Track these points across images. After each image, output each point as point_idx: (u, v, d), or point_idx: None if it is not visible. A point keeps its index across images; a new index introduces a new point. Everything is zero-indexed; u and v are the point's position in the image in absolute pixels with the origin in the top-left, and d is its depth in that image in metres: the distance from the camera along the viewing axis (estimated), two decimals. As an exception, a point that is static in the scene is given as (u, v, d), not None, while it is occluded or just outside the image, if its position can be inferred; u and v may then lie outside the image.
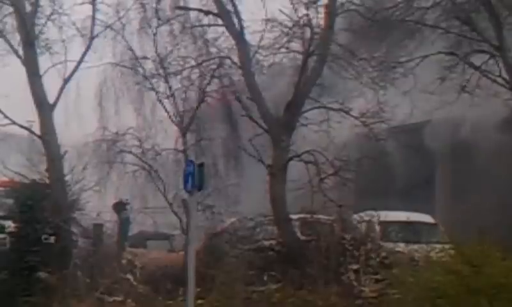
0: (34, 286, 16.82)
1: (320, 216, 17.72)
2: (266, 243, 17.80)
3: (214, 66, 19.34)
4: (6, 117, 19.13)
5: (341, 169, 18.15)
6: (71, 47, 20.08)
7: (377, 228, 17.39)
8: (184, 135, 18.70)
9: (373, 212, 17.30)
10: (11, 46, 19.75)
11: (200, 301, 14.55)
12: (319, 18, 19.03)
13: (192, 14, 19.85)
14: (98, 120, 20.62)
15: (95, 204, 19.53)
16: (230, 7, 19.09)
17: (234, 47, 19.20)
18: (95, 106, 20.93)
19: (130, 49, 19.90)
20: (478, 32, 19.40)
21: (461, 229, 14.13)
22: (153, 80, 19.74)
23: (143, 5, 19.81)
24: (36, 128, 19.26)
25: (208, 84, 19.10)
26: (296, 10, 19.08)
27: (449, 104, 19.89)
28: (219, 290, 15.64)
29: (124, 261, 17.52)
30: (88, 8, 20.05)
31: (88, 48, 19.80)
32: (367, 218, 17.41)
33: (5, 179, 19.30)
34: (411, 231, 17.27)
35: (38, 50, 19.75)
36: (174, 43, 19.64)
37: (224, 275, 15.94)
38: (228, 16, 18.95)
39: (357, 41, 19.57)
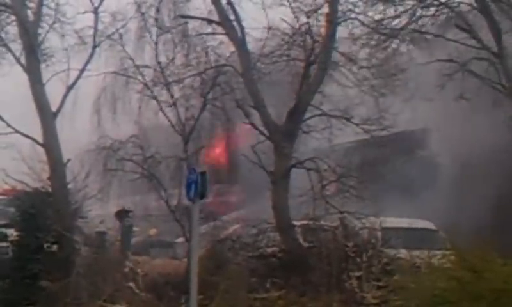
0: (36, 294, 16.91)
1: (323, 223, 17.87)
2: (269, 250, 17.93)
3: (215, 74, 19.48)
4: (9, 125, 19.30)
5: (343, 176, 18.36)
6: (72, 55, 20.38)
7: (379, 234, 17.52)
8: (185, 143, 18.81)
9: (375, 218, 17.42)
10: (14, 54, 19.97)
11: (202, 309, 14.68)
12: (320, 26, 19.24)
13: (192, 22, 20.04)
14: (99, 128, 20.81)
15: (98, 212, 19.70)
16: (231, 15, 19.27)
17: (235, 54, 19.38)
18: (96, 114, 21.13)
19: (131, 58, 20.09)
20: (477, 40, 19.61)
21: (462, 234, 14.26)
22: (155, 89, 19.86)
23: (142, 14, 20.00)
24: (39, 136, 19.43)
25: (208, 92, 19.22)
26: (297, 18, 19.30)
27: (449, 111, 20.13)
28: (222, 297, 15.74)
29: (127, 269, 17.62)
30: (88, 17, 20.34)
31: (90, 56, 20.04)
32: (368, 224, 17.53)
33: (7, 187, 19.44)
34: (412, 238, 17.37)
35: (41, 59, 19.96)
36: (175, 51, 19.81)
37: (227, 282, 16.05)
38: (229, 25, 19.12)
39: (358, 49, 19.77)
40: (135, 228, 22.91)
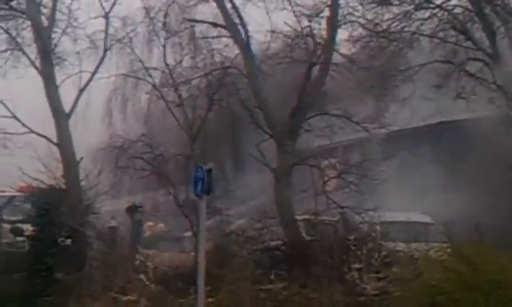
0: (51, 286, 16.91)
1: (324, 217, 17.86)
2: (273, 243, 17.93)
3: (221, 76, 19.46)
4: (25, 126, 19.35)
5: (343, 172, 18.37)
6: (84, 58, 20.44)
7: (378, 227, 17.48)
8: (193, 141, 18.80)
9: (374, 213, 17.39)
10: (29, 58, 20.04)
11: (209, 300, 14.64)
12: (321, 29, 19.23)
13: (199, 26, 20.04)
14: (110, 128, 20.87)
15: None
16: (236, 19, 19.25)
17: (240, 56, 19.37)
18: (108, 115, 21.19)
19: (140, 61, 20.13)
20: (473, 41, 19.55)
21: (459, 228, 14.24)
22: (163, 90, 19.87)
23: (151, 19, 20.02)
24: (53, 136, 19.46)
25: (215, 93, 19.20)
26: (299, 22, 19.29)
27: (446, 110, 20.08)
28: (228, 289, 15.72)
29: (137, 262, 17.64)
30: (99, 22, 20.39)
31: (102, 59, 20.10)
32: (368, 218, 17.50)
33: (24, 185, 19.48)
34: (410, 231, 17.34)
35: (54, 62, 20.00)
36: (182, 54, 19.83)
37: (232, 274, 16.03)
38: (234, 28, 19.11)
39: (358, 51, 19.74)
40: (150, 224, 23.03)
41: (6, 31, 20.32)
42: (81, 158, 19.28)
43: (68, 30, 20.38)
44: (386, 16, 19.97)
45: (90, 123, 20.65)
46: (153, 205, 22.25)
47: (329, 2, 18.92)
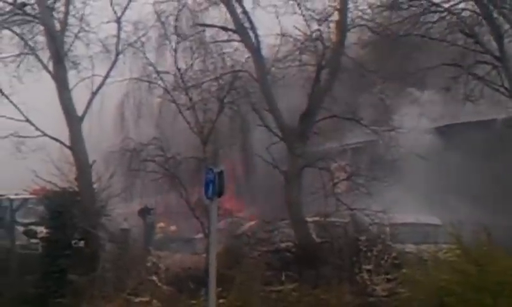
0: (64, 288, 17.04)
1: (334, 219, 17.88)
2: (283, 245, 17.96)
3: (232, 79, 19.50)
4: (38, 129, 19.44)
5: (353, 174, 18.38)
6: (97, 62, 20.51)
7: (388, 229, 17.48)
8: (204, 144, 18.86)
9: (383, 214, 17.39)
10: (42, 62, 20.11)
11: (221, 300, 14.65)
12: (330, 33, 19.23)
13: (209, 30, 20.12)
14: (123, 131, 20.93)
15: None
16: (246, 23, 19.29)
17: (250, 60, 19.41)
18: (120, 118, 21.27)
19: (151, 64, 20.19)
20: (481, 44, 19.50)
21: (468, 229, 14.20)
22: (174, 93, 19.93)
23: (162, 23, 20.09)
24: (66, 139, 19.55)
25: (225, 96, 19.25)
26: (308, 26, 19.31)
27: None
28: (239, 290, 15.75)
29: (149, 264, 17.69)
30: (111, 26, 20.48)
31: (114, 63, 20.16)
32: (377, 220, 17.50)
33: (37, 187, 19.58)
34: (419, 232, 17.33)
35: (67, 66, 20.10)
36: (193, 57, 19.88)
37: (243, 275, 16.05)
38: (244, 32, 19.16)
39: (367, 54, 19.73)
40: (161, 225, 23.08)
41: (20, 36, 20.42)
42: (94, 161, 19.35)
43: (81, 34, 20.45)
44: (395, 19, 19.91)
45: (103, 127, 20.73)
46: (165, 207, 22.28)
47: (338, 6, 18.95)
